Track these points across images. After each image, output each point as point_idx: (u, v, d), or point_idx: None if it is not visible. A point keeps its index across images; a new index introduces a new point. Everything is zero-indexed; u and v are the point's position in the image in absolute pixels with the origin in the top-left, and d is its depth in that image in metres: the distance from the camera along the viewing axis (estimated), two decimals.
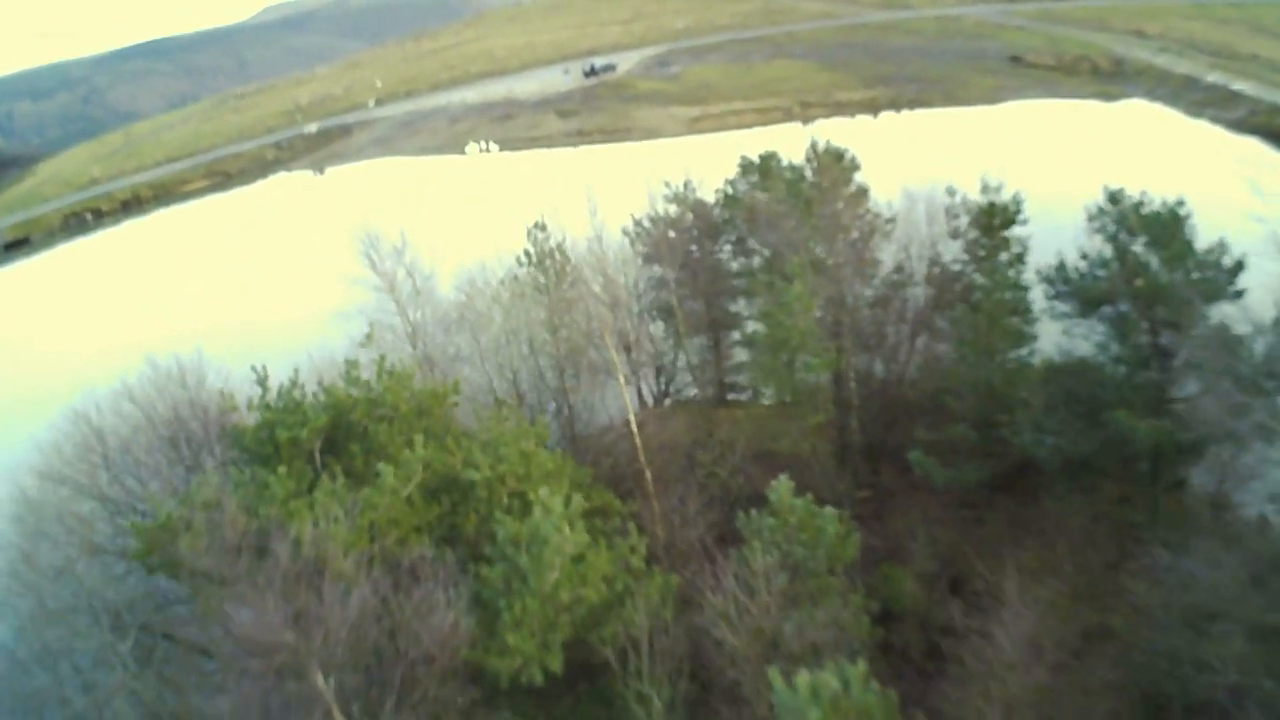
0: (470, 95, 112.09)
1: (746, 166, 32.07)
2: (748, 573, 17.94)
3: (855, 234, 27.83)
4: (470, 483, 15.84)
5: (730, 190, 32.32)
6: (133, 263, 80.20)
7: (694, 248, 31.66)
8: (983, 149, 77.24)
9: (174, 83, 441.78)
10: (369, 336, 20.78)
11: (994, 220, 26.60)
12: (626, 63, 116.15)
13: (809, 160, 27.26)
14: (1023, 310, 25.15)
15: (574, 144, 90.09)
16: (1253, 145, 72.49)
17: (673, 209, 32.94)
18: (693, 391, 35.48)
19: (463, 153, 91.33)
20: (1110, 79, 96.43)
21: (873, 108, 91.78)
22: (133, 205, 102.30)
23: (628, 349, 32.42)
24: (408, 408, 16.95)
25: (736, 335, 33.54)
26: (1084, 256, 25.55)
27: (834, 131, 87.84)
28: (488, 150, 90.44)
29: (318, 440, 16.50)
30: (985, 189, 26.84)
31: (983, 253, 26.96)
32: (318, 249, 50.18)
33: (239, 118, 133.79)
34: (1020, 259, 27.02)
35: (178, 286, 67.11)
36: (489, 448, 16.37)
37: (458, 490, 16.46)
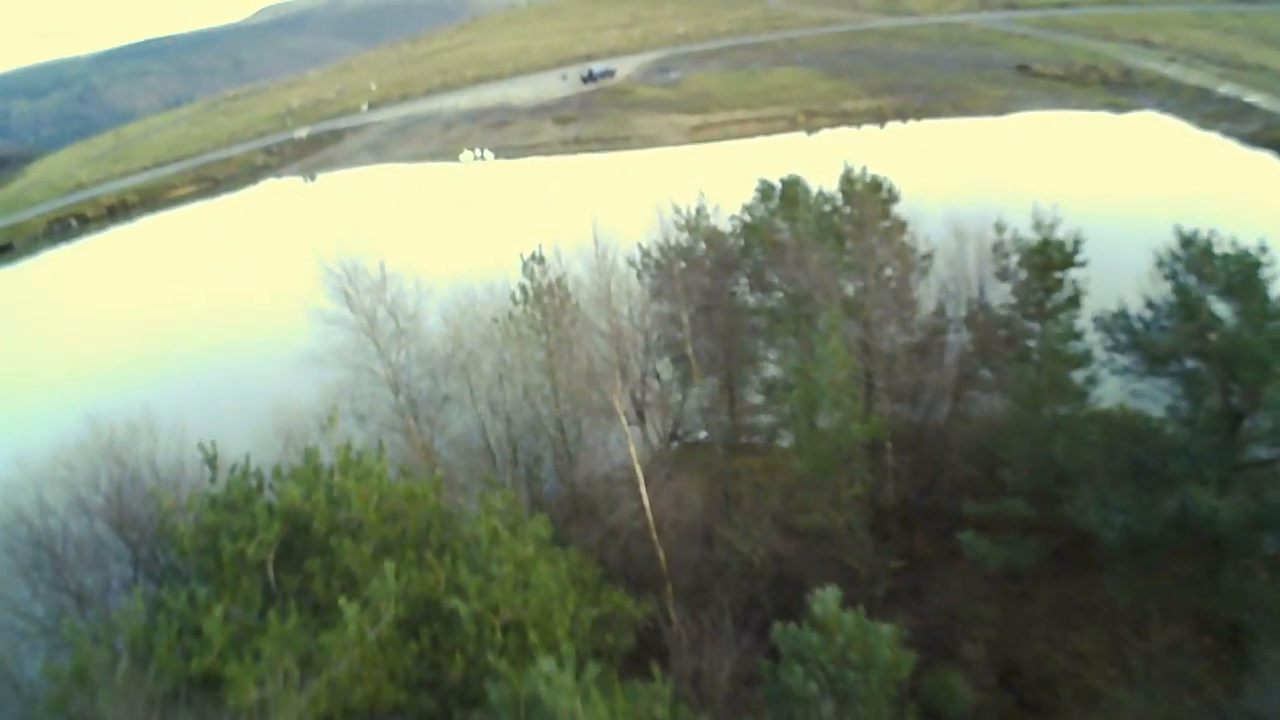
0: (464, 101, 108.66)
1: (766, 191, 28.72)
2: (789, 700, 14.83)
3: (890, 271, 24.60)
4: (455, 612, 12.64)
5: (748, 217, 28.99)
6: (110, 277, 76.46)
7: (707, 281, 28.28)
8: (994, 162, 74.36)
9: (169, 83, 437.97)
10: (331, 420, 17.49)
11: (1049, 260, 23.40)
12: (625, 68, 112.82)
13: (843, 189, 23.90)
14: (1084, 365, 21.97)
15: (571, 152, 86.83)
16: (1268, 161, 69.72)
17: (683, 237, 29.67)
18: (703, 434, 32.24)
19: (457, 160, 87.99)
20: (1120, 89, 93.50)
21: (879, 117, 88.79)
22: (119, 211, 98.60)
23: (633, 391, 29.20)
24: (377, 515, 13.66)
25: (752, 374, 30.32)
26: (1150, 305, 22.42)
27: (839, 142, 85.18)
28: (482, 158, 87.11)
29: (270, 553, 13.20)
30: (1038, 225, 23.64)
31: (1035, 296, 23.78)
32: (300, 268, 46.70)
33: (230, 121, 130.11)
34: (1075, 303, 23.86)
35: (150, 308, 63.16)
36: (478, 564, 13.10)
37: (440, 620, 13.18)
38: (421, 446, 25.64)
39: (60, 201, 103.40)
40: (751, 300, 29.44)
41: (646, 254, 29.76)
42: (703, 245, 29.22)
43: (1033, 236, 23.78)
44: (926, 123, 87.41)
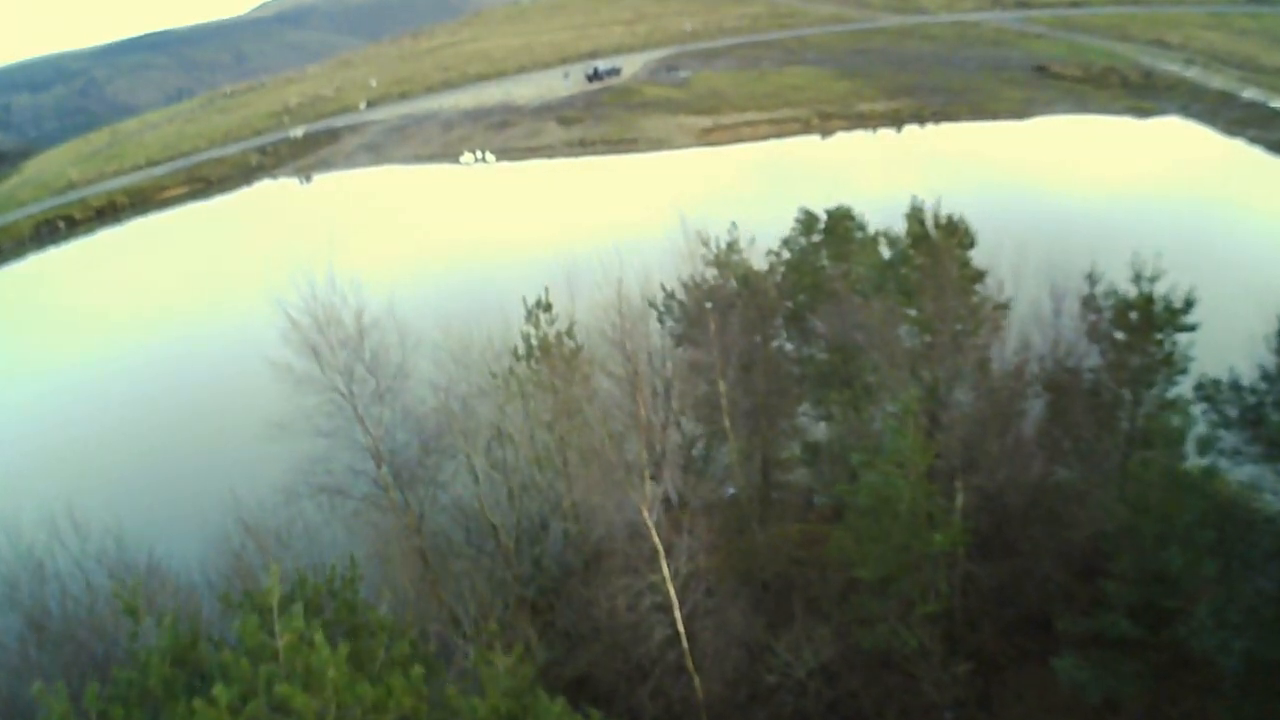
0: (465, 99, 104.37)
1: (808, 223, 24.73)
2: None
3: (960, 326, 20.67)
4: None
5: (788, 253, 24.94)
6: (84, 297, 68.74)
7: (743, 329, 24.21)
8: (1021, 168, 70.34)
9: (172, 76, 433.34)
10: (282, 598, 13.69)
11: (1151, 320, 19.47)
12: (631, 66, 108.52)
13: (911, 232, 19.77)
14: (1204, 453, 17.98)
15: (576, 154, 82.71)
16: None
17: (713, 274, 25.62)
18: (730, 491, 28.32)
19: (457, 162, 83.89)
20: (1141, 92, 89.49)
21: (896, 120, 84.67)
22: (108, 213, 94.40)
23: (650, 444, 25.24)
24: None
25: (789, 432, 26.30)
26: (1265, 378, 18.53)
27: (855, 146, 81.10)
28: (484, 160, 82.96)
29: None
30: (1138, 278, 19.68)
31: (1134, 361, 19.84)
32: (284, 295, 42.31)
33: (225, 119, 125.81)
34: (1180, 371, 19.93)
35: (112, 347, 56.70)
36: None
37: None
38: (407, 526, 21.73)
39: (51, 202, 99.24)
40: (790, 347, 25.42)
41: (670, 295, 25.70)
42: (734, 284, 25.19)
43: (1129, 290, 19.87)
44: (945, 126, 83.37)
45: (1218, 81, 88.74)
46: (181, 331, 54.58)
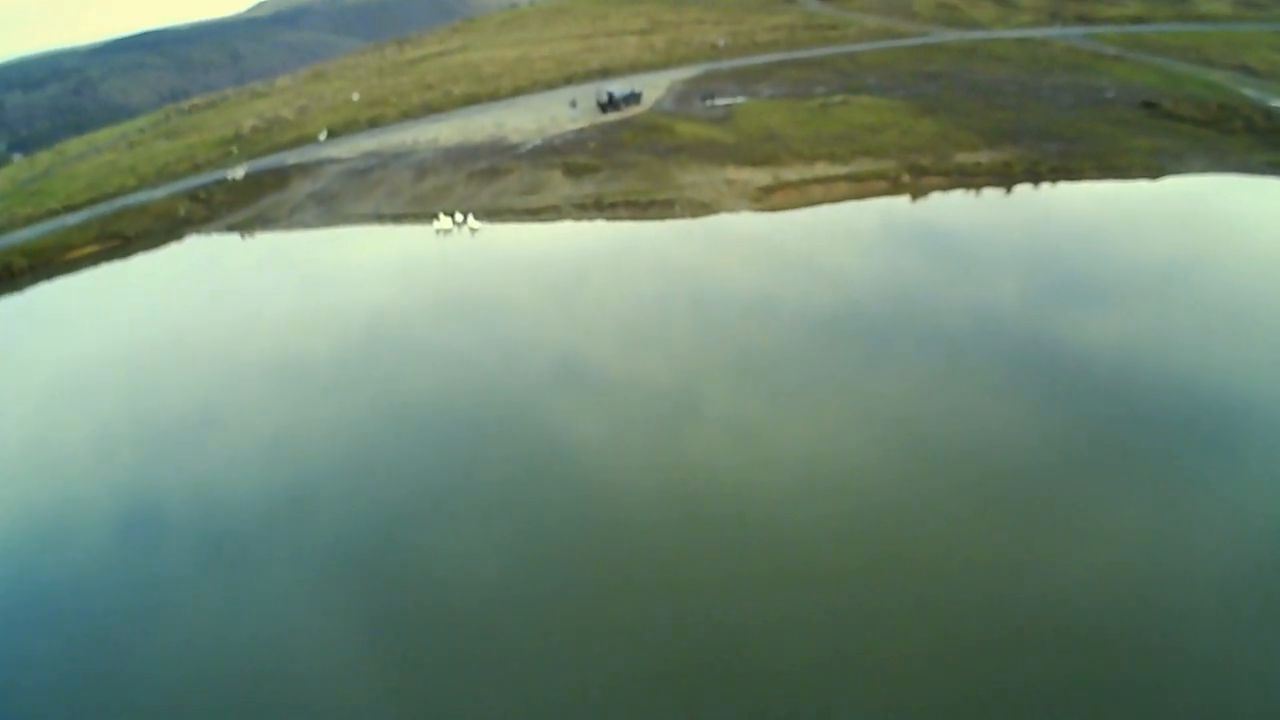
0: (447, 131, 78.85)
1: None
2: None
3: None
4: None
5: None
6: None
7: None
8: (1193, 257, 45.96)
9: (166, 76, 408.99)
10: None
11: None
12: (652, 90, 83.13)
13: None
14: None
15: (589, 218, 57.60)
16: None
17: None
18: None
19: (430, 224, 58.77)
20: (1270, 139, 66.02)
21: (1006, 177, 59.72)
22: (4, 279, 68.91)
23: None
24: None
25: None
26: None
27: (957, 212, 56.25)
28: (463, 225, 57.86)
29: None
30: None
31: None
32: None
33: (170, 145, 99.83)
34: None
35: None
36: None
37: None
38: None
39: None
40: None
41: None
42: None
43: None
44: (1063, 186, 58.69)
45: None
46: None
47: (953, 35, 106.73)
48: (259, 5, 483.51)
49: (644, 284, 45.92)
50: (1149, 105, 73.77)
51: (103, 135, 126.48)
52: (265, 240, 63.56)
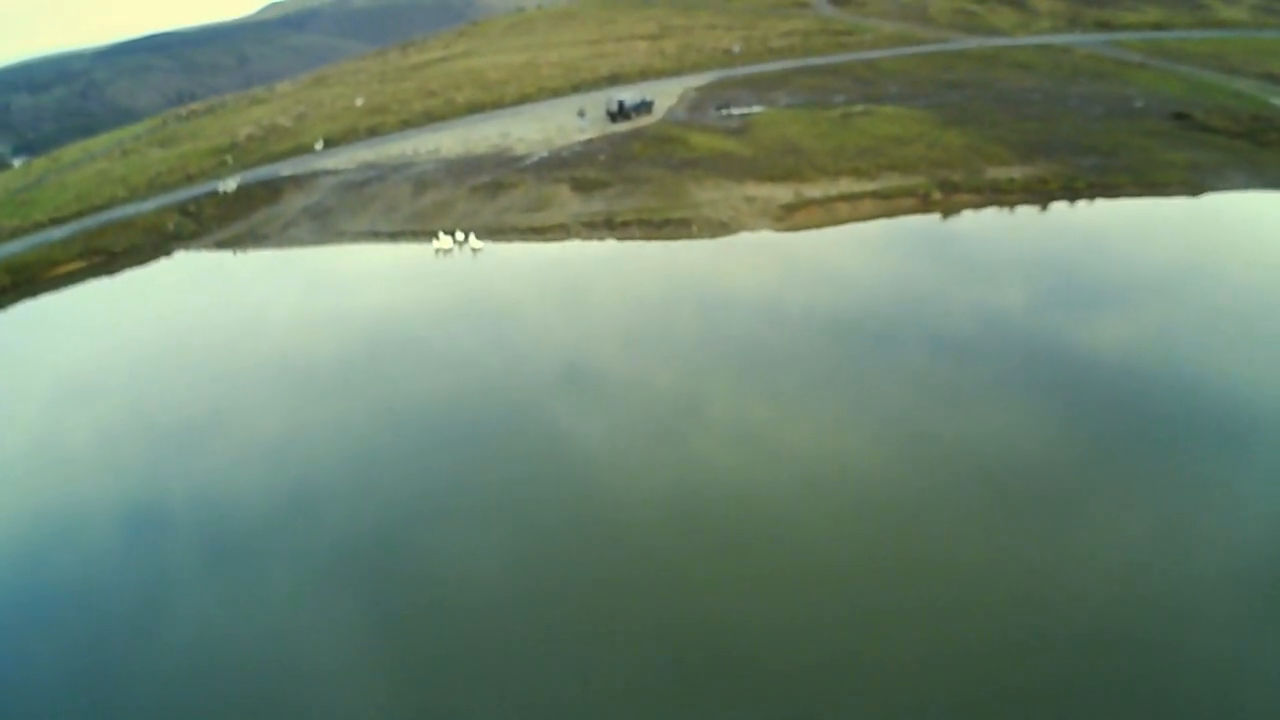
0: (449, 141, 74.57)
1: None
2: None
3: None
4: None
5: None
6: None
7: None
8: (1239, 281, 41.39)
9: (173, 78, 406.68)
10: None
11: None
12: (664, 98, 78.74)
13: None
14: None
15: (600, 238, 53.29)
16: None
17: None
18: None
19: (428, 242, 54.57)
20: None
21: (1041, 194, 55.43)
22: None
23: None
24: None
25: None
26: None
27: (995, 232, 51.59)
28: (464, 244, 53.64)
29: None
30: None
31: None
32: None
33: (163, 154, 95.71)
34: None
35: None
36: None
37: None
38: None
39: None
40: None
41: None
42: None
43: None
44: (1100, 203, 54.40)
45: None
46: None
47: (973, 42, 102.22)
48: (266, 8, 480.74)
49: (663, 318, 41.49)
50: (1181, 116, 69.42)
51: (98, 142, 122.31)
52: (254, 259, 59.32)
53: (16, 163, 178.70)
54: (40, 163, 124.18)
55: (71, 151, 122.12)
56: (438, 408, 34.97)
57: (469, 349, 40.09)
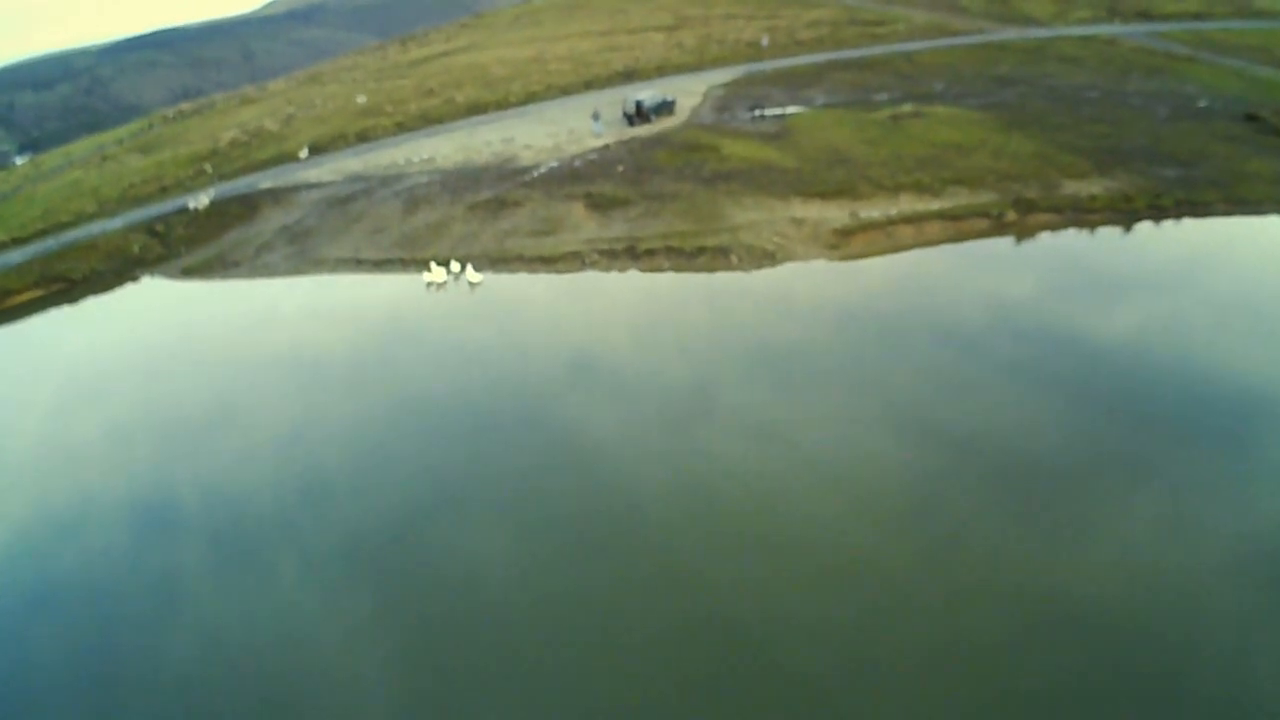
0: (445, 147, 65.46)
1: None
2: None
3: None
4: None
5: None
6: None
7: None
8: None
9: (178, 74, 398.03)
10: None
11: None
12: (687, 97, 69.36)
13: None
14: None
15: (620, 269, 44.26)
16: None
17: None
18: None
19: (419, 273, 45.74)
20: None
21: (1125, 212, 46.04)
22: None
23: None
24: None
25: None
26: None
27: (1084, 259, 41.47)
28: (459, 276, 44.77)
29: None
30: None
31: None
32: None
33: (141, 161, 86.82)
34: None
35: None
36: None
37: None
38: None
39: None
40: None
41: None
42: None
43: None
44: (1188, 223, 45.11)
45: None
46: None
47: (1011, 33, 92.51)
48: (272, 3, 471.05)
49: (713, 397, 32.40)
50: (1252, 118, 60.06)
51: (78, 147, 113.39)
52: (219, 291, 50.44)
53: (19, 161, 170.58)
54: (24, 169, 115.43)
55: (52, 158, 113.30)
56: (397, 546, 26.08)
57: (450, 457, 31.12)
